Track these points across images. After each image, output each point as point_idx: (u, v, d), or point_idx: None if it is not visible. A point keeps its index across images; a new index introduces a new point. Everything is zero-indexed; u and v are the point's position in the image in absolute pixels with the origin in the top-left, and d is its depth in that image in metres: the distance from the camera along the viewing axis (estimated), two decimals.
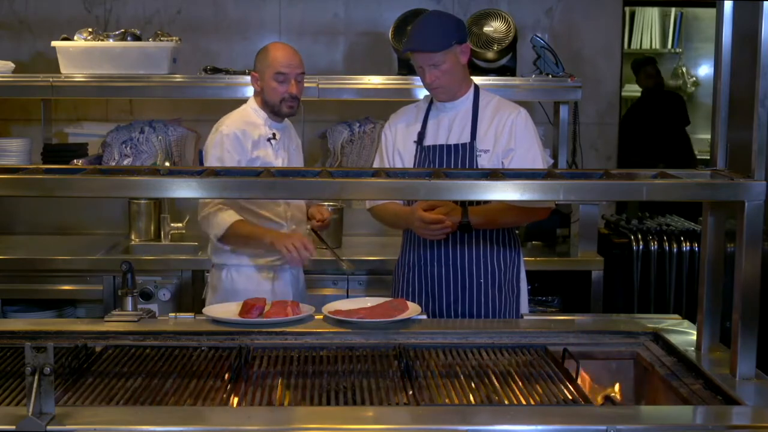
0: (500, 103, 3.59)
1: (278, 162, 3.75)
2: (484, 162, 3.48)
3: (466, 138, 3.51)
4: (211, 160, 3.69)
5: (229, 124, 3.74)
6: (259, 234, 3.63)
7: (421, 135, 3.58)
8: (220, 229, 3.62)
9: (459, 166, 3.48)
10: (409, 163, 3.58)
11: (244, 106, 3.84)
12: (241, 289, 3.75)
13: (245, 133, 3.70)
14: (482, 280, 3.53)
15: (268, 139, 3.75)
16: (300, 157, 3.97)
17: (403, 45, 3.59)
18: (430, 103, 3.62)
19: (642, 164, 6.66)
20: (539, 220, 4.80)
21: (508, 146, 3.48)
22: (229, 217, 3.62)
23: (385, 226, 4.00)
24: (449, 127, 3.55)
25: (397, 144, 3.62)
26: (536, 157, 3.51)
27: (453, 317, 3.52)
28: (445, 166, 3.49)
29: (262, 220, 3.75)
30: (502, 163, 3.49)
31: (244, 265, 3.78)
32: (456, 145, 3.51)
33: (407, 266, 3.61)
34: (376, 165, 3.72)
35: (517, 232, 3.71)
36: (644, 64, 7.58)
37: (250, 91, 4.62)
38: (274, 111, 3.75)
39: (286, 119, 3.85)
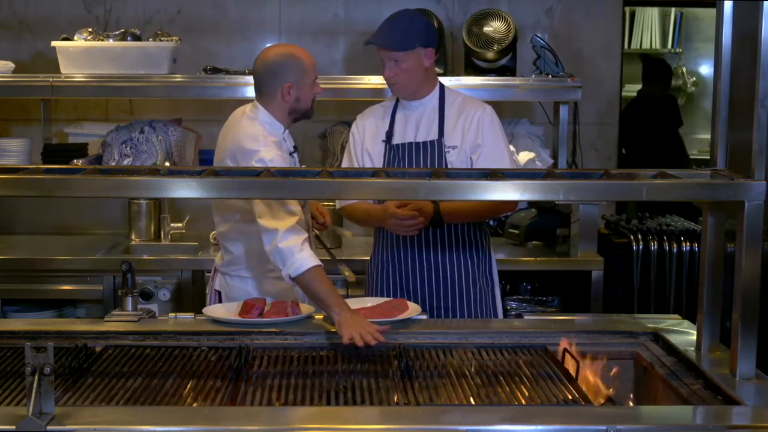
0: (466, 101, 3.63)
1: None
2: (452, 158, 3.52)
3: (433, 135, 3.55)
4: None
5: (265, 146, 3.37)
6: (330, 300, 3.12)
7: (389, 134, 3.61)
8: (295, 270, 3.19)
9: (428, 164, 3.52)
10: (378, 162, 3.61)
11: (254, 123, 3.47)
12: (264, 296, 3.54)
13: (282, 156, 3.43)
14: (456, 274, 3.57)
15: (290, 153, 3.54)
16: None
17: (369, 37, 3.58)
18: (397, 102, 3.65)
19: (634, 166, 6.65)
20: (538, 219, 4.88)
21: (475, 142, 3.53)
22: (308, 261, 3.21)
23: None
24: (416, 125, 3.59)
25: (366, 143, 3.65)
26: (503, 153, 3.56)
27: (430, 312, 3.54)
28: (414, 164, 3.53)
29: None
30: (470, 158, 3.53)
31: (271, 278, 3.54)
32: (424, 143, 3.55)
33: (381, 263, 3.66)
34: (344, 165, 3.73)
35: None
36: (661, 72, 7.46)
37: (250, 91, 4.61)
38: (299, 117, 3.54)
39: None
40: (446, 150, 3.52)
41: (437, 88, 3.62)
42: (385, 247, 3.64)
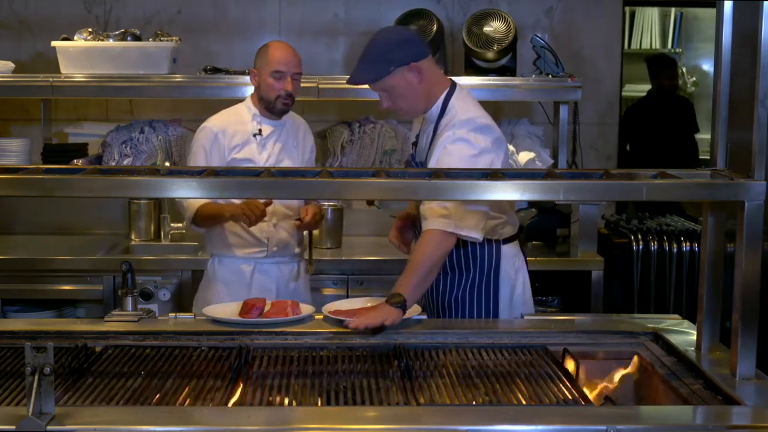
0: (451, 120, 3.27)
1: (263, 157, 3.81)
2: None
3: (424, 156, 3.38)
4: (189, 154, 3.90)
5: (212, 120, 3.87)
6: (220, 210, 3.73)
7: (415, 145, 3.50)
8: (190, 211, 3.80)
9: None
10: None
11: (238, 104, 3.95)
12: (220, 279, 3.89)
13: (225, 132, 3.81)
14: (456, 282, 3.40)
15: (254, 135, 3.83)
16: (300, 154, 3.96)
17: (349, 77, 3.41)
18: None
19: (645, 166, 6.58)
20: (538, 219, 4.88)
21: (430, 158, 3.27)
22: (192, 206, 3.78)
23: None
24: (420, 141, 3.45)
25: (407, 150, 3.66)
26: (447, 156, 3.20)
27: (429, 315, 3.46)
28: None
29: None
30: None
31: (227, 256, 3.90)
32: (418, 163, 3.41)
33: None
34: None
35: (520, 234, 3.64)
36: (664, 66, 7.39)
37: (249, 91, 4.61)
38: (268, 108, 3.83)
39: (288, 116, 3.92)
40: None
41: (441, 100, 3.32)
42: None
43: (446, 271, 3.38)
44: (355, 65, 3.32)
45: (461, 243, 3.31)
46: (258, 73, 3.83)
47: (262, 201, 3.66)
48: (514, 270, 3.46)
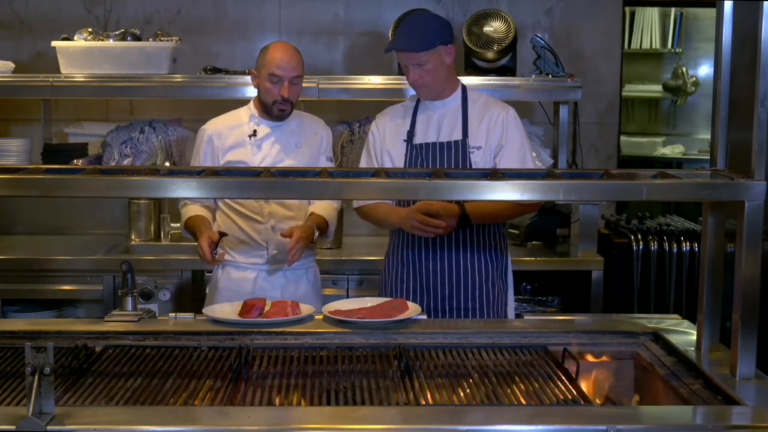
0: (489, 101, 3.65)
1: (257, 159, 3.74)
2: (477, 158, 3.52)
3: (457, 135, 3.55)
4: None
5: (209, 122, 3.85)
6: (195, 232, 3.68)
7: (411, 133, 3.61)
8: (183, 219, 3.80)
9: (452, 164, 3.52)
10: (399, 161, 3.59)
11: (243, 107, 3.86)
12: (222, 287, 3.82)
13: (220, 134, 3.77)
14: (476, 275, 3.57)
15: (249, 136, 3.77)
16: (306, 154, 3.83)
17: (388, 44, 3.64)
18: (418, 101, 3.65)
19: None
20: (538, 219, 4.88)
21: (499, 142, 3.54)
22: (188, 212, 3.78)
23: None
24: (438, 125, 3.59)
25: (386, 143, 3.64)
26: (526, 156, 3.58)
27: (448, 311, 3.56)
28: (438, 164, 3.52)
29: (242, 216, 3.79)
30: (494, 160, 3.54)
31: (229, 263, 3.80)
32: (448, 143, 3.54)
33: (400, 264, 3.63)
34: (363, 165, 3.74)
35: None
36: None
37: (250, 91, 4.64)
38: (266, 111, 3.75)
39: (298, 117, 3.84)
40: (471, 150, 3.52)
41: (459, 89, 3.64)
42: (404, 247, 3.62)
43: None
44: (397, 33, 3.61)
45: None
46: (257, 74, 3.72)
47: (214, 247, 3.60)
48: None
